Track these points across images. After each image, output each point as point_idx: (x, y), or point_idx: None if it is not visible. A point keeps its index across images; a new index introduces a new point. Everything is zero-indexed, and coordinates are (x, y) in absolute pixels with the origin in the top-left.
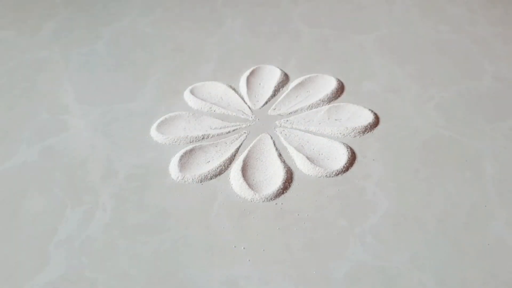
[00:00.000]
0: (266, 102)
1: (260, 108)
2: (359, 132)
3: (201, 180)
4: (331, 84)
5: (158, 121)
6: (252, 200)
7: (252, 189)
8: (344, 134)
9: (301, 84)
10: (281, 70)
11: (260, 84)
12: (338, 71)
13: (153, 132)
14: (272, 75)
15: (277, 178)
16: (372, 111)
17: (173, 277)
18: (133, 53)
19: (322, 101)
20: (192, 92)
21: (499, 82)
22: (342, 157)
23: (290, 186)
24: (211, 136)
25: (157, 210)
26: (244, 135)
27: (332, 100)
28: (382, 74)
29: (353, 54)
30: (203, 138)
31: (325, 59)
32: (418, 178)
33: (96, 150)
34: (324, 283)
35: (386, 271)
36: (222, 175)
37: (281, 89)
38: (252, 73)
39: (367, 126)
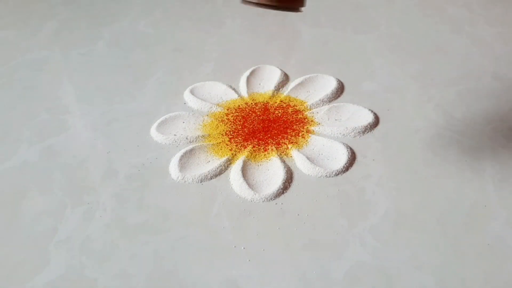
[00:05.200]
0: (267, 103)
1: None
2: (359, 132)
3: (201, 180)
4: (331, 84)
5: (158, 121)
6: (252, 200)
7: (252, 189)
8: (344, 134)
9: (301, 84)
10: (281, 70)
11: (260, 84)
12: (338, 71)
13: (153, 132)
14: (272, 75)
15: (277, 178)
16: (372, 111)
17: (173, 277)
18: (133, 53)
19: (322, 101)
20: (192, 92)
21: (499, 82)
22: (342, 157)
23: (290, 186)
24: (211, 136)
25: (157, 210)
26: (244, 134)
27: (332, 100)
28: (382, 74)
29: (353, 54)
30: (203, 138)
31: (325, 59)
32: (418, 178)
33: (96, 150)
34: (324, 283)
35: (386, 271)
36: (222, 175)
37: (281, 89)
38: (252, 73)
39: (367, 126)
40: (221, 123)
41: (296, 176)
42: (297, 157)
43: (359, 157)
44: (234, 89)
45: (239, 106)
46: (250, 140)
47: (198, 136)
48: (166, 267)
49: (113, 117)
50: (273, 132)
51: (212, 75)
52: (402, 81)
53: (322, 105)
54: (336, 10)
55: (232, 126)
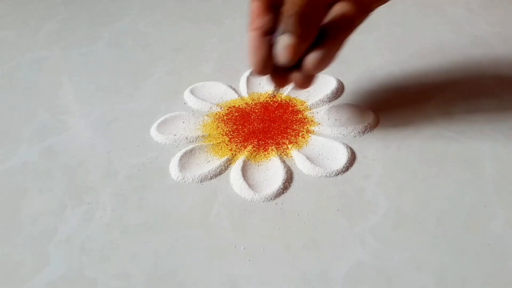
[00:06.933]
0: (267, 103)
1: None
2: (359, 132)
3: (201, 180)
4: (331, 84)
5: (158, 121)
6: (252, 200)
7: (252, 189)
8: (344, 134)
9: None
10: None
11: (260, 84)
12: (338, 71)
13: (153, 132)
14: None
15: (277, 178)
16: (372, 111)
17: (173, 277)
18: (133, 53)
19: (322, 101)
20: (192, 92)
21: (499, 82)
22: (342, 157)
23: (290, 186)
24: (211, 136)
25: (157, 210)
26: (244, 134)
27: (332, 100)
28: (382, 74)
29: (353, 54)
30: (203, 138)
31: None
32: (418, 178)
33: (96, 150)
34: (324, 283)
35: (386, 271)
36: (222, 175)
37: (281, 89)
38: (252, 73)
39: (367, 126)
40: (221, 123)
41: (296, 176)
42: (297, 157)
43: (359, 157)
44: (234, 89)
45: (239, 106)
46: (250, 140)
47: (198, 136)
48: (166, 267)
49: (113, 117)
50: (273, 132)
51: (212, 75)
52: (402, 81)
53: (322, 105)
54: None
55: (232, 126)
